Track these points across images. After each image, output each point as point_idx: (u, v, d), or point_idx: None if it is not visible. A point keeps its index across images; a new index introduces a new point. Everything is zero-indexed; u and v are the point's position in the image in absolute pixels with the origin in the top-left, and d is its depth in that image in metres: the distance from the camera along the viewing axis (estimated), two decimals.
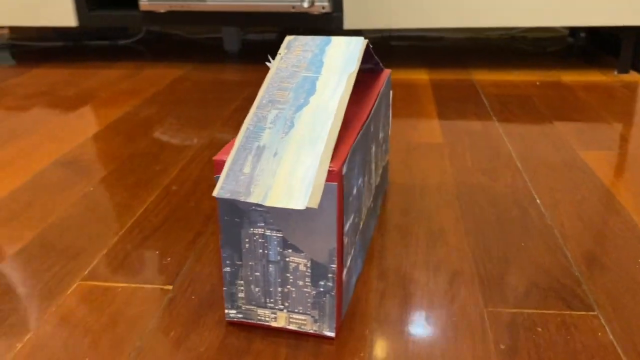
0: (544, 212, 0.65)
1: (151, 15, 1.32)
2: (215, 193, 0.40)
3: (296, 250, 0.43)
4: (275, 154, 0.41)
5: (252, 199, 0.39)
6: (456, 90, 1.14)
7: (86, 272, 0.55)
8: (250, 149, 0.42)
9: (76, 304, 0.50)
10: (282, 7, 1.23)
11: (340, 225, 0.43)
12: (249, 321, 0.47)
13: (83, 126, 0.97)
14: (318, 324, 0.45)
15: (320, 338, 0.46)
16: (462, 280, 0.53)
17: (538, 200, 0.68)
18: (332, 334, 0.45)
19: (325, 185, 0.41)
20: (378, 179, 0.64)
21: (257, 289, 0.45)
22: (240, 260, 0.45)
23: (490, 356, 0.43)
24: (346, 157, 0.43)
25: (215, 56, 1.50)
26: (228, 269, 0.45)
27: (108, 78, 1.29)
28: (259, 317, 0.46)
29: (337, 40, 0.52)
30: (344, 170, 0.42)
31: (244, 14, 1.29)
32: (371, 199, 0.59)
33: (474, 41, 1.61)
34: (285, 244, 0.43)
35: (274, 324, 0.46)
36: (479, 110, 1.01)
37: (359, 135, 0.47)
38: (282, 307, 0.45)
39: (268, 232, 0.43)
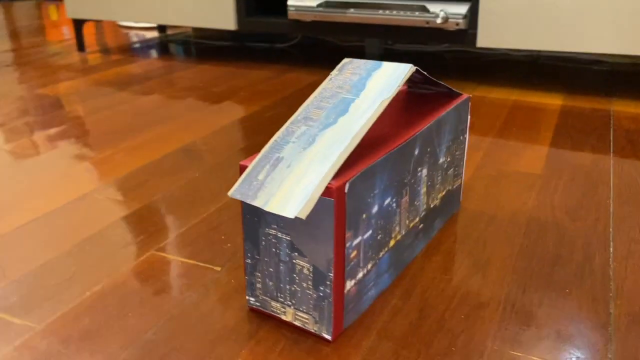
0: (610, 262, 0.60)
1: (298, 24, 1.43)
2: (229, 193, 0.46)
3: (301, 254, 0.48)
4: (289, 166, 0.46)
5: (255, 203, 0.44)
6: (585, 119, 1.06)
7: (161, 245, 0.65)
8: (270, 159, 0.47)
9: (142, 269, 0.61)
10: (416, 21, 1.26)
11: (340, 238, 0.46)
12: (265, 310, 0.52)
13: (214, 120, 1.10)
14: (318, 325, 0.49)
15: (319, 338, 0.50)
16: (480, 315, 0.52)
17: (611, 249, 0.63)
18: (329, 337, 0.49)
19: (323, 200, 0.45)
20: (437, 202, 0.65)
21: (270, 283, 0.51)
22: (259, 255, 0.50)
23: None
24: (353, 176, 0.46)
25: None
26: (249, 260, 0.51)
27: (254, 78, 1.43)
28: (272, 309, 0.52)
29: (386, 66, 0.55)
30: (346, 188, 0.45)
31: (381, 27, 1.33)
32: (417, 220, 0.60)
33: (637, 67, 1.46)
34: (292, 247, 0.48)
35: (283, 317, 0.51)
36: (599, 144, 0.93)
37: (384, 157, 0.50)
38: (290, 303, 0.50)
39: (279, 234, 0.48)
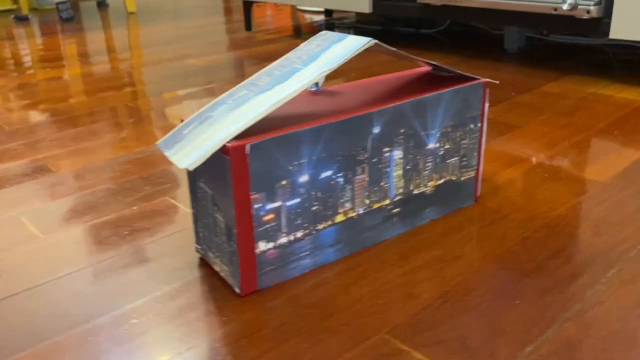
0: (594, 288, 0.51)
1: (428, 8, 1.39)
2: (156, 142, 0.51)
3: (219, 209, 0.51)
4: (211, 124, 0.49)
5: (166, 153, 0.49)
6: None
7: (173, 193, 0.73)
8: (202, 117, 0.51)
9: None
10: (543, 7, 1.14)
11: (242, 197, 0.48)
12: (205, 258, 0.57)
13: None
14: (232, 278, 0.52)
15: (232, 291, 0.52)
16: (399, 312, 0.50)
17: (611, 272, 0.53)
18: (239, 291, 0.51)
19: (223, 158, 0.47)
20: (427, 190, 0.62)
21: (206, 233, 0.55)
22: (197, 207, 0.55)
23: None
24: (260, 140, 0.47)
25: (494, 53, 1.48)
26: (194, 210, 0.56)
27: (375, 61, 1.44)
28: (208, 258, 0.56)
29: (348, 39, 0.54)
30: (247, 149, 0.47)
31: (507, 13, 1.24)
32: (387, 202, 0.58)
33: None
34: (214, 201, 0.51)
35: (214, 267, 0.55)
36: None
37: (313, 128, 0.50)
38: (217, 254, 0.54)
39: (206, 188, 0.52)
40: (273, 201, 0.50)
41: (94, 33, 2.12)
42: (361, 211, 0.57)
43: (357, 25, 2.02)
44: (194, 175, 0.54)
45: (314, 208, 0.53)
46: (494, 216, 0.65)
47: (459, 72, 0.64)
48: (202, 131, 0.49)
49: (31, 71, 1.50)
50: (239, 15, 2.45)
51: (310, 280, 0.54)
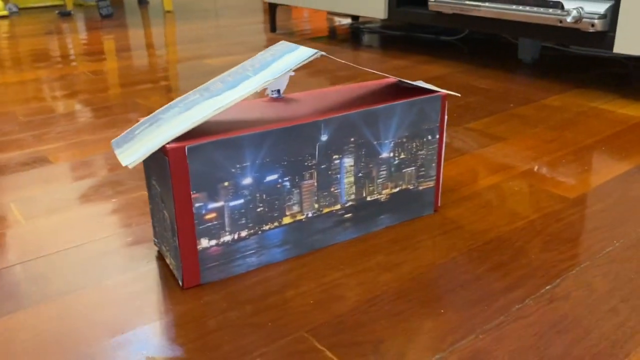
0: (525, 301, 0.52)
1: (440, 16, 1.40)
2: (112, 141, 0.55)
3: (165, 205, 0.54)
4: (159, 126, 0.53)
5: (116, 151, 0.52)
6: None
7: None
8: (154, 118, 0.54)
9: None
10: (549, 19, 1.13)
11: (182, 196, 0.51)
12: (160, 251, 0.60)
13: None
14: (177, 271, 0.55)
15: (177, 284, 0.56)
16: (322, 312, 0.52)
17: (546, 288, 0.53)
18: (181, 284, 0.55)
19: (163, 158, 0.50)
20: (381, 197, 0.63)
21: (158, 228, 0.58)
22: (151, 202, 0.58)
23: None
24: (199, 143, 0.50)
25: (509, 63, 1.47)
26: (150, 205, 0.59)
27: (391, 65, 1.46)
28: (162, 251, 0.59)
29: (299, 50, 0.56)
30: (186, 151, 0.50)
31: (515, 23, 1.23)
32: (338, 207, 0.60)
33: None
34: (161, 197, 0.54)
35: (166, 260, 0.58)
36: None
37: (257, 133, 0.52)
38: (167, 248, 0.57)
39: (156, 185, 0.55)
40: (215, 201, 0.53)
41: (126, 30, 2.21)
42: (310, 214, 0.60)
43: (380, 30, 2.03)
44: (148, 173, 0.57)
45: (259, 209, 0.56)
46: (449, 227, 0.66)
47: (421, 84, 0.65)
48: (150, 132, 0.52)
49: (60, 65, 1.58)
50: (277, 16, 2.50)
51: (253, 278, 0.57)
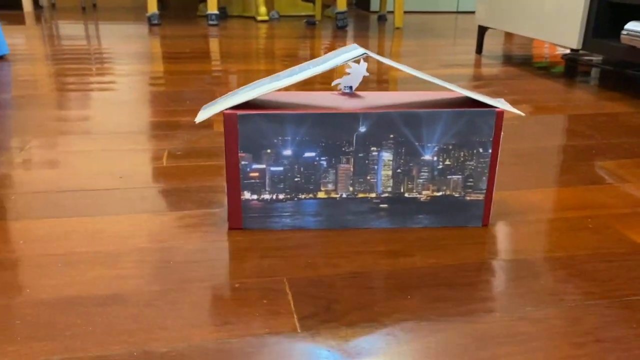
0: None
1: (634, 51, 1.28)
2: (204, 105, 0.70)
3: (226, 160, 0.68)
4: (232, 97, 0.67)
5: (198, 115, 0.68)
6: None
7: None
8: (233, 93, 0.68)
9: None
10: None
11: (231, 152, 0.64)
12: None
13: None
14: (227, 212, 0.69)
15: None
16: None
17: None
18: (226, 225, 0.68)
19: (224, 119, 0.64)
20: (421, 197, 0.68)
21: None
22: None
23: None
24: (249, 113, 0.62)
25: None
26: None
27: (597, 106, 1.38)
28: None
29: (353, 50, 0.64)
30: (238, 117, 0.62)
31: None
32: (374, 195, 0.67)
33: None
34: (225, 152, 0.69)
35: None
36: None
37: (298, 114, 0.63)
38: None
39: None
40: (258, 163, 0.66)
41: (346, 40, 2.45)
42: (344, 195, 0.68)
43: (597, 64, 1.90)
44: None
45: (296, 179, 0.67)
46: (484, 240, 0.67)
47: (484, 99, 0.67)
48: (223, 101, 0.67)
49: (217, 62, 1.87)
50: (490, 39, 2.50)
51: (281, 235, 0.67)
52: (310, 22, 3.01)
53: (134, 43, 2.26)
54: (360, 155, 0.66)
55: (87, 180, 0.83)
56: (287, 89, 1.43)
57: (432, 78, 0.68)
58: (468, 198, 0.69)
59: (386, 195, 0.68)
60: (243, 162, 0.66)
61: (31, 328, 0.49)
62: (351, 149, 0.66)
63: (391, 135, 0.66)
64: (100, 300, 0.54)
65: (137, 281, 0.57)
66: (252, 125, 0.64)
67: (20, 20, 3.08)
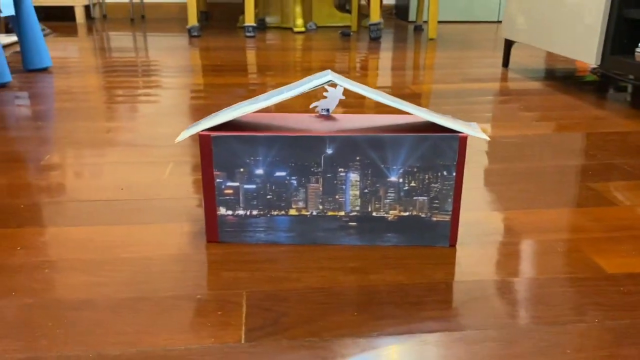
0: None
1: None
2: (190, 125, 0.75)
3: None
4: (212, 118, 0.71)
5: (179, 136, 0.73)
6: None
7: None
8: (215, 114, 0.73)
9: None
10: None
11: (206, 169, 0.69)
12: None
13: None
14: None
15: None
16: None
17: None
18: (205, 238, 0.73)
19: (198, 137, 0.68)
20: (389, 217, 0.71)
21: None
22: None
23: None
24: (222, 134, 0.67)
25: None
26: None
27: (579, 114, 1.37)
28: None
29: (324, 75, 0.68)
30: (212, 138, 0.67)
31: None
32: (343, 214, 0.70)
33: None
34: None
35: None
36: None
37: (268, 136, 0.67)
38: None
39: None
40: (233, 180, 0.70)
41: (379, 51, 2.47)
42: (315, 213, 0.71)
43: (625, 79, 1.85)
44: None
45: (268, 197, 0.71)
46: (444, 260, 0.69)
47: (451, 124, 0.69)
48: (205, 122, 0.72)
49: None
50: (521, 51, 2.47)
51: (254, 249, 0.72)
52: (345, 34, 3.05)
53: (173, 56, 2.37)
54: (328, 175, 0.70)
55: (90, 192, 0.90)
56: (268, 110, 1.48)
57: (398, 104, 0.70)
58: (434, 219, 0.72)
59: (355, 213, 0.71)
60: (218, 180, 0.70)
61: (7, 328, 0.55)
62: (319, 169, 0.70)
63: (357, 158, 0.69)
64: (75, 304, 0.60)
65: (110, 288, 0.63)
66: (225, 146, 0.69)
67: (73, 31, 3.26)
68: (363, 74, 1.93)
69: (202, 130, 0.69)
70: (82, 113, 1.40)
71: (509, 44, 2.01)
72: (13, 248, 0.72)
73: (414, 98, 1.56)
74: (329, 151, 0.69)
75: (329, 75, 0.69)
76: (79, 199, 0.87)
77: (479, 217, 0.81)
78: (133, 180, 0.94)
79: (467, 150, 1.11)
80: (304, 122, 0.73)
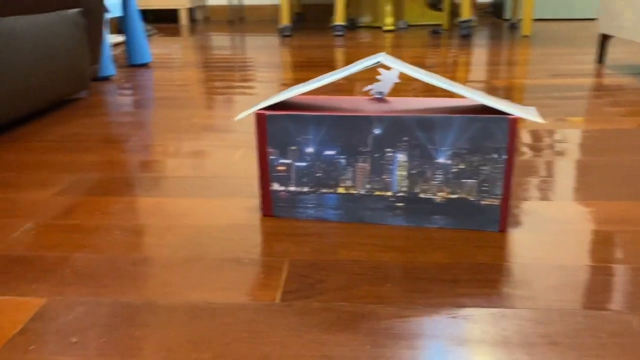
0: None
1: None
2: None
3: None
4: (271, 98, 0.75)
5: (240, 114, 0.77)
6: None
7: None
8: (274, 96, 0.77)
9: None
10: None
11: (261, 146, 0.73)
12: None
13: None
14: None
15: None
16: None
17: None
18: (261, 211, 0.77)
19: (255, 116, 0.73)
20: (436, 198, 0.71)
21: None
22: None
23: None
24: (276, 114, 0.71)
25: None
26: None
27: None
28: None
29: (375, 58, 0.70)
30: (267, 117, 0.71)
31: None
32: (390, 194, 0.72)
33: None
34: None
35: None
36: None
37: (317, 116, 0.70)
38: None
39: None
40: (285, 158, 0.74)
41: (469, 48, 2.42)
42: (362, 192, 0.73)
43: None
44: None
45: (318, 174, 0.74)
46: (486, 244, 0.68)
47: (503, 107, 0.68)
48: (262, 103, 0.76)
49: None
50: (618, 48, 2.32)
51: (305, 224, 0.75)
52: (435, 32, 3.01)
53: (266, 54, 2.47)
54: (376, 155, 0.72)
55: (166, 169, 0.98)
56: (326, 93, 1.49)
57: (453, 86, 0.71)
58: (483, 202, 0.71)
59: (402, 194, 0.73)
60: (271, 157, 0.75)
61: (76, 277, 0.63)
62: (367, 149, 0.72)
63: (405, 138, 0.70)
64: (134, 261, 0.66)
65: (167, 249, 0.69)
66: (279, 124, 0.73)
67: (176, 32, 3.49)
68: (445, 70, 1.91)
69: (259, 110, 0.74)
70: (175, 102, 1.51)
71: (604, 39, 1.90)
72: (93, 212, 0.80)
73: (495, 92, 1.53)
74: (377, 131, 0.71)
75: (380, 57, 0.71)
76: (156, 174, 0.95)
77: (536, 206, 0.79)
78: (206, 161, 1.01)
79: (537, 142, 1.07)
80: (356, 104, 0.76)
